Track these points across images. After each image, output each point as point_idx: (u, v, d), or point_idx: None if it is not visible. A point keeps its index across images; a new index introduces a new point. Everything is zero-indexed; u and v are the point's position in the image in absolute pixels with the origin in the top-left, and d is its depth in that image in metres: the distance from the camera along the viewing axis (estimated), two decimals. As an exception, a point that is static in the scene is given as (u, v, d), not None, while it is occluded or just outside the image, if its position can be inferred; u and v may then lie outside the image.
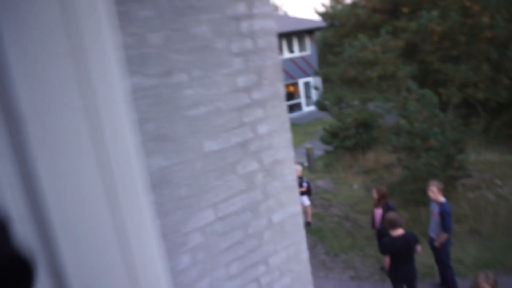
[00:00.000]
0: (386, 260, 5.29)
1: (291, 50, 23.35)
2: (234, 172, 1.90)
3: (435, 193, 5.89)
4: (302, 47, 23.81)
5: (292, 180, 2.18)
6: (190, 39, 1.61)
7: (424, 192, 8.63)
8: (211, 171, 1.81)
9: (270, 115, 1.98)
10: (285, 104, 2.04)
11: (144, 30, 1.48)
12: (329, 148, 14.16)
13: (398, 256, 5.12)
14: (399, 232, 5.11)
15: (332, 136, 13.09)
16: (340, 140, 12.79)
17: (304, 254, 2.39)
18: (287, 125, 2.07)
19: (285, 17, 25.58)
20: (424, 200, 8.75)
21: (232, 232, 1.97)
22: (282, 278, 2.28)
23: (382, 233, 6.68)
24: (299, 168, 9.20)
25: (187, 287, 1.83)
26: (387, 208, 6.60)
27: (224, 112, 1.80)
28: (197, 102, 1.70)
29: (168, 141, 1.64)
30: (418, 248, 5.30)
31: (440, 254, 6.14)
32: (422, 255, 7.33)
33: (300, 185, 9.05)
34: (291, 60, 23.11)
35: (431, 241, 6.24)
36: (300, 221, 2.30)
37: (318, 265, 8.15)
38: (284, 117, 2.03)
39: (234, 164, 1.89)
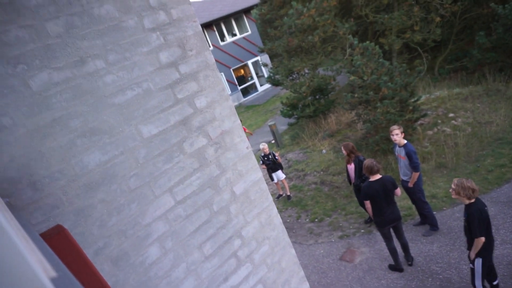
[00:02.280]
0: (368, 205, 5.44)
1: (232, 33, 23.13)
2: (182, 151, 1.83)
3: (400, 135, 6.08)
4: (242, 28, 23.65)
5: (246, 148, 2.14)
6: (96, 21, 1.50)
7: (388, 140, 8.96)
8: (157, 156, 1.74)
9: (205, 87, 1.91)
10: (218, 72, 1.97)
11: (39, 20, 1.36)
12: (292, 120, 14.31)
13: (378, 199, 5.28)
14: (376, 177, 5.28)
15: (291, 108, 13.19)
16: (300, 110, 12.92)
17: (277, 218, 2.38)
18: (226, 93, 2.02)
19: (219, 1, 25.18)
20: (390, 148, 9.08)
21: (196, 213, 1.91)
22: (260, 247, 2.26)
23: (358, 187, 6.88)
24: (265, 145, 9.25)
25: (163, 278, 1.77)
26: (358, 162, 6.78)
27: (154, 93, 1.71)
28: (122, 87, 1.60)
29: (101, 134, 1.55)
30: (398, 191, 5.43)
31: (415, 193, 6.38)
32: (399, 199, 7.64)
33: (274, 161, 9.14)
34: (235, 43, 22.93)
35: (404, 184, 6.46)
36: (265, 186, 2.28)
37: (306, 234, 8.30)
38: (220, 86, 1.97)
39: (180, 143, 1.82)
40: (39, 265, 0.37)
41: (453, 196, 4.23)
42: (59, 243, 0.97)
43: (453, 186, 4.20)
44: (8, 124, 1.31)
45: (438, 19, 11.69)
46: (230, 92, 23.45)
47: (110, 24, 1.54)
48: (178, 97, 1.80)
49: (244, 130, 12.87)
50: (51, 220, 1.42)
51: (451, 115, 10.62)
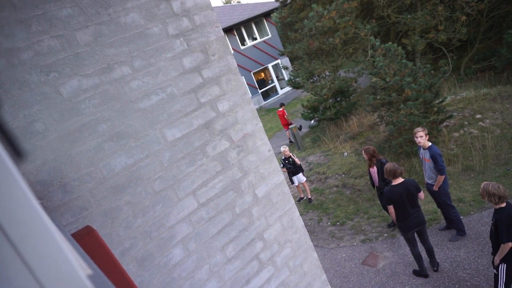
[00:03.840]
0: (391, 210, 5.33)
1: (252, 37, 23.24)
2: (205, 155, 1.86)
3: (424, 137, 5.94)
4: (263, 32, 23.72)
5: (268, 151, 2.15)
6: (122, 29, 1.55)
7: (411, 142, 8.76)
8: (181, 159, 1.77)
9: (228, 90, 1.94)
10: (240, 76, 2.00)
11: (70, 30, 1.42)
12: (313, 123, 14.23)
13: (401, 203, 5.16)
14: (399, 180, 5.18)
15: (312, 111, 13.12)
16: (321, 113, 12.83)
17: (299, 221, 2.37)
18: (248, 97, 2.04)
19: (239, 6, 25.37)
20: (414, 150, 8.87)
21: (219, 215, 1.93)
22: (282, 250, 2.26)
23: (382, 190, 6.76)
24: (286, 148, 9.24)
25: (187, 280, 1.80)
26: (380, 165, 6.67)
27: (178, 97, 1.75)
28: (147, 93, 1.65)
29: (127, 138, 1.59)
30: (421, 195, 5.29)
31: (441, 197, 6.21)
32: (424, 203, 7.45)
33: (294, 165, 9.11)
34: (255, 47, 23.02)
35: (429, 187, 6.30)
36: (286, 189, 2.28)
37: (327, 237, 8.22)
38: (242, 90, 1.99)
39: (203, 146, 1.85)
40: (77, 263, 0.39)
41: (482, 199, 4.14)
42: (89, 243, 1.00)
43: (480, 190, 4.12)
44: (41, 129, 1.37)
45: (463, 17, 11.37)
46: (250, 96, 23.53)
47: (136, 31, 1.59)
48: (201, 101, 1.84)
49: (284, 113, 13.49)
50: (80, 221, 1.47)
51: (478, 116, 10.29)
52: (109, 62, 1.54)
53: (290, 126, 13.11)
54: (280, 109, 14.01)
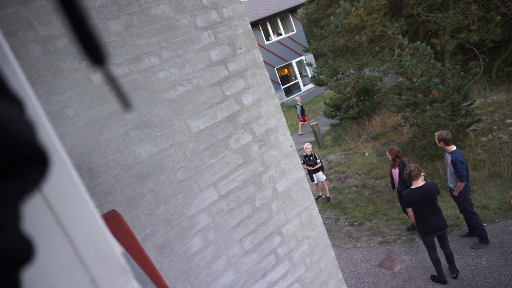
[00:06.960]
0: (410, 213, 5.23)
1: (277, 32, 23.12)
2: (227, 147, 1.88)
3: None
4: (288, 28, 23.55)
5: (290, 146, 2.15)
6: (152, 20, 1.58)
7: (436, 145, 8.52)
8: (204, 150, 1.80)
9: (253, 84, 1.94)
10: (265, 71, 2.00)
11: (102, 19, 1.45)
12: (335, 121, 14.07)
13: (421, 207, 5.06)
14: (419, 183, 5.07)
15: (335, 109, 12.96)
16: (343, 111, 12.67)
17: (318, 218, 2.36)
18: (273, 91, 2.04)
19: (266, 1, 25.24)
20: (438, 153, 8.64)
21: (239, 208, 1.95)
22: (300, 246, 2.26)
23: (402, 193, 6.63)
24: (309, 146, 9.18)
25: (204, 269, 1.83)
26: (403, 167, 6.53)
27: (204, 89, 1.77)
28: (174, 83, 1.67)
29: (152, 127, 1.63)
30: None
31: (461, 203, 6.04)
32: (446, 208, 7.26)
33: (315, 163, 9.06)
34: (280, 42, 22.89)
35: (451, 192, 6.14)
36: (306, 186, 2.27)
37: (344, 237, 8.15)
38: (267, 84, 2.00)
39: (226, 139, 1.87)
40: (113, 240, 0.41)
41: None
42: (114, 226, 1.04)
43: None
44: (72, 115, 1.42)
45: (498, 17, 10.92)
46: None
47: (165, 23, 1.62)
48: (226, 94, 1.85)
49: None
50: (104, 205, 1.52)
51: (509, 121, 9.91)
52: (139, 52, 1.57)
53: (311, 124, 13.01)
54: None
